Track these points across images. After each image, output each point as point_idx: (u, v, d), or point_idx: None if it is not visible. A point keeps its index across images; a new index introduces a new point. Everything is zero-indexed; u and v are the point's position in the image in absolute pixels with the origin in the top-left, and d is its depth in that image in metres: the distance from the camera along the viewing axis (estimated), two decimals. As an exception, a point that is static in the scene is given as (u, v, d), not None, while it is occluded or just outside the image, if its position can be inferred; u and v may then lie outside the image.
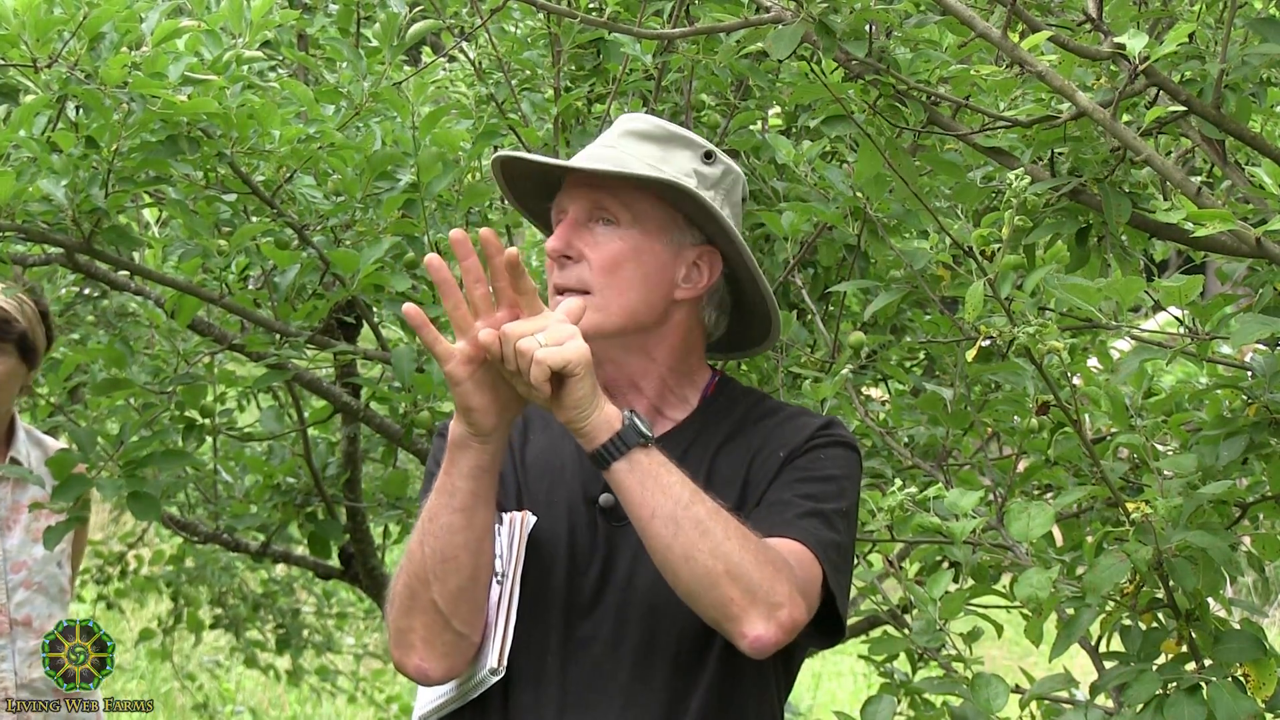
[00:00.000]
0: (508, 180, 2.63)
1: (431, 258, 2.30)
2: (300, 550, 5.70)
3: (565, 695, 2.47)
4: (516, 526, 2.51)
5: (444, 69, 4.46)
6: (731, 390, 2.64)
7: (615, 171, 2.50)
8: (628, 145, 2.55)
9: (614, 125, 2.61)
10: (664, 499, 2.32)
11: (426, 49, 5.31)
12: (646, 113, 3.94)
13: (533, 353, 2.27)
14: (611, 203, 2.51)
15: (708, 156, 2.58)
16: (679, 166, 2.54)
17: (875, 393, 4.46)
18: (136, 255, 4.39)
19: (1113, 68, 2.90)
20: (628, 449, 2.32)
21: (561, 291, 2.51)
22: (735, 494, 2.50)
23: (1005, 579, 3.17)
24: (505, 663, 2.46)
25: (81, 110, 3.64)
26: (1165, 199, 3.13)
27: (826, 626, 2.49)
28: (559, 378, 2.29)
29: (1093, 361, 3.48)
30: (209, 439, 4.52)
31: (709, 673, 2.45)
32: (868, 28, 2.95)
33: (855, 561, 3.49)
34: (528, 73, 4.15)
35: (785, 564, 2.36)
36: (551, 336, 2.28)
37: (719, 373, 2.65)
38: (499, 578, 2.47)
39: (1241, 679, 2.75)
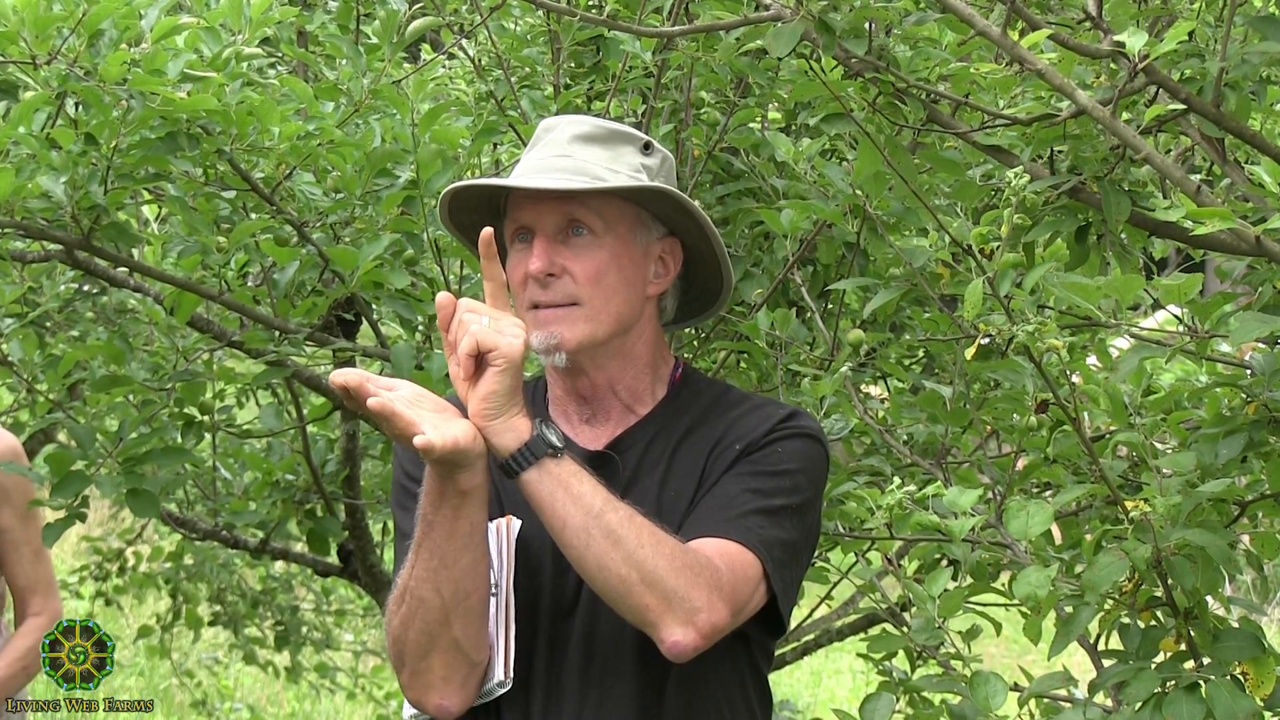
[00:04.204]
0: (450, 205, 2.61)
1: (442, 296, 2.37)
2: (299, 547, 5.70)
3: (549, 693, 2.49)
4: (504, 534, 2.52)
5: (444, 66, 4.46)
6: (696, 381, 2.66)
7: (612, 187, 2.51)
8: (580, 151, 2.54)
9: (554, 130, 2.60)
10: (574, 509, 2.34)
11: (426, 46, 5.31)
12: (644, 111, 3.95)
13: (469, 326, 2.33)
14: (584, 213, 2.51)
15: (646, 148, 2.59)
16: (628, 164, 2.55)
17: (874, 390, 4.46)
18: (136, 252, 4.39)
19: (1112, 66, 2.89)
20: (536, 459, 2.34)
21: (547, 307, 2.51)
22: (693, 485, 2.52)
23: (1004, 577, 3.17)
24: (512, 674, 2.48)
25: (81, 107, 3.64)
26: (1165, 197, 3.13)
27: (770, 623, 2.51)
28: (482, 364, 2.33)
29: (1092, 360, 3.48)
30: (208, 436, 4.51)
31: (676, 664, 2.45)
32: (867, 25, 2.95)
33: (855, 560, 3.50)
34: (527, 70, 4.15)
35: (705, 568, 2.37)
36: (496, 325, 2.34)
37: (682, 363, 2.67)
38: (494, 589, 2.48)
39: (1240, 677, 2.75)
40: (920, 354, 4.50)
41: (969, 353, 2.87)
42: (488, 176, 2.70)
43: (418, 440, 2.28)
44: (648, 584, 2.33)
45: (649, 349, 2.60)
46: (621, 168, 2.54)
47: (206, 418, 4.38)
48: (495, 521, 2.51)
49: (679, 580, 2.33)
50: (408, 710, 2.55)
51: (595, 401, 2.58)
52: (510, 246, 2.56)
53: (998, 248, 2.73)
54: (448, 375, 2.39)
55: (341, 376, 2.30)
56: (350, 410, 3.60)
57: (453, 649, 2.43)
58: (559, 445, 2.36)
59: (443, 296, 2.36)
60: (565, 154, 2.54)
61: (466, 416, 2.36)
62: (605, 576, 2.34)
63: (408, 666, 2.46)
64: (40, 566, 4.12)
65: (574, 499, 2.34)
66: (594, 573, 2.35)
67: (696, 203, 2.65)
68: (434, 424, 2.31)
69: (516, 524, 2.52)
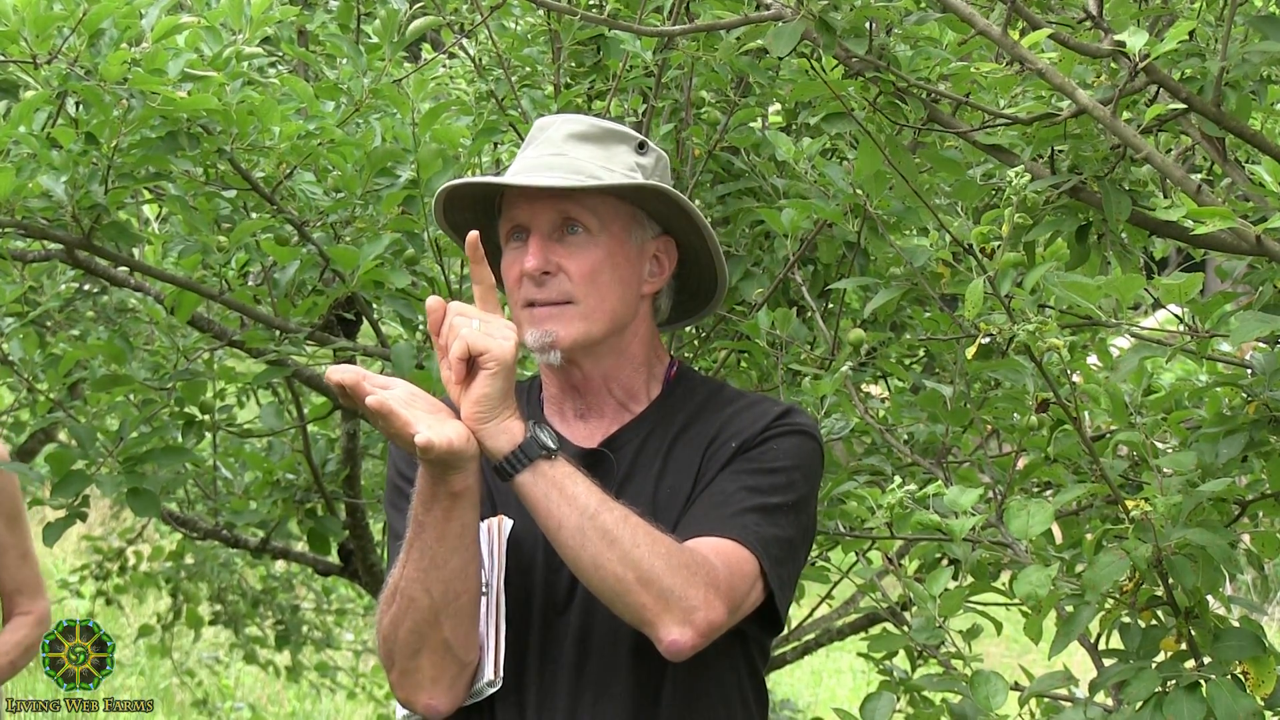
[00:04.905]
0: (445, 204, 2.61)
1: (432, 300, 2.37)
2: (300, 547, 5.70)
3: (544, 692, 2.49)
4: (495, 533, 2.52)
5: (444, 65, 4.46)
6: (690, 379, 2.66)
7: (608, 185, 2.51)
8: (575, 150, 2.54)
9: (549, 129, 2.59)
10: (569, 510, 2.34)
11: (426, 45, 5.31)
12: (644, 110, 3.95)
13: (460, 330, 2.33)
14: (579, 211, 2.51)
15: (641, 147, 2.59)
16: (622, 162, 2.55)
17: (875, 390, 4.46)
18: (136, 251, 4.39)
19: (1113, 65, 2.89)
20: (529, 461, 2.35)
21: (543, 305, 2.50)
22: (689, 482, 2.52)
23: (1005, 576, 3.17)
24: (502, 673, 2.48)
25: (81, 106, 3.64)
26: (1165, 196, 3.13)
27: (768, 621, 2.51)
28: (474, 367, 2.33)
29: (1092, 359, 3.48)
30: (208, 435, 4.52)
31: (672, 663, 2.44)
32: (868, 25, 2.95)
33: (856, 559, 3.50)
34: (528, 69, 4.15)
35: (702, 566, 2.37)
36: (486, 328, 2.34)
37: (676, 360, 2.67)
38: (484, 589, 2.48)
39: (1241, 677, 2.75)
40: (921, 353, 4.50)
41: (969, 352, 2.87)
42: (483, 175, 2.70)
43: (418, 438, 2.28)
44: (644, 583, 2.33)
45: (644, 347, 2.60)
46: (616, 166, 2.54)
47: (207, 417, 4.38)
48: (486, 521, 2.51)
49: (675, 579, 2.33)
50: (399, 710, 2.56)
51: (590, 396, 2.58)
52: (505, 245, 2.56)
53: (998, 247, 2.73)
54: (446, 377, 2.40)
55: (338, 374, 2.31)
56: (348, 408, 3.60)
57: (442, 649, 2.43)
58: (553, 446, 2.36)
59: (432, 300, 2.36)
60: (560, 152, 2.54)
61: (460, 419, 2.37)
62: (601, 576, 2.34)
63: (397, 666, 2.46)
64: (27, 568, 4.12)
65: (568, 500, 2.34)
66: (590, 573, 2.35)
67: (695, 202, 2.64)
68: (429, 424, 2.31)
69: (508, 524, 2.52)
